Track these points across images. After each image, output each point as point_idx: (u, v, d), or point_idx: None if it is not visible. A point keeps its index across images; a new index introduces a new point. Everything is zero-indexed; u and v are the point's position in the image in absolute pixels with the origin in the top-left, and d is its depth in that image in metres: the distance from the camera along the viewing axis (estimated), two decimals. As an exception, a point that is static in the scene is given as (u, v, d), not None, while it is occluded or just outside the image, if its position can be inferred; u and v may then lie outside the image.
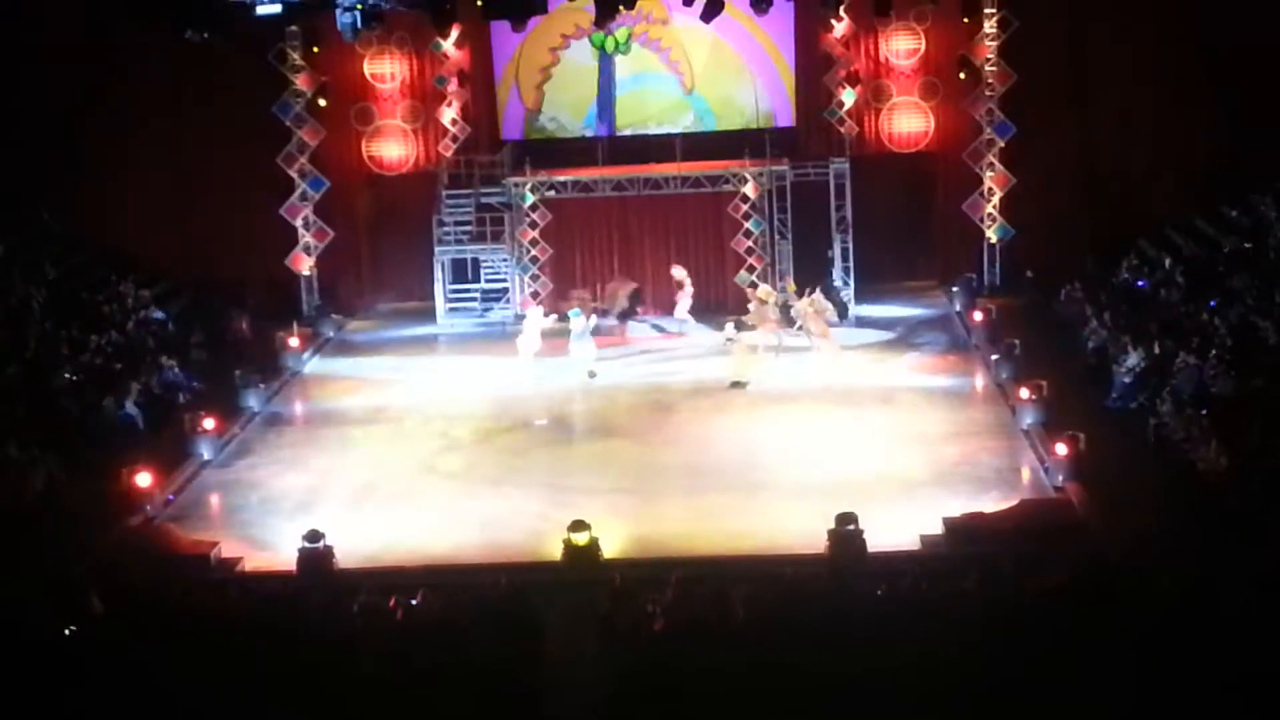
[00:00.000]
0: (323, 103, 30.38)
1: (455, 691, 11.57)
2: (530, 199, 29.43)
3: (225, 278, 30.20)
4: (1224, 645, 11.49)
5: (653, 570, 16.18)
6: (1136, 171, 29.96)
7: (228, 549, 18.43)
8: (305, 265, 30.92)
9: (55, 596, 14.45)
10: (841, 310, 27.49)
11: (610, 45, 30.52)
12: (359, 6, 23.17)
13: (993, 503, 18.74)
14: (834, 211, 29.07)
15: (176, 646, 12.17)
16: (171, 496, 20.40)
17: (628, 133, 30.84)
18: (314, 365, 27.52)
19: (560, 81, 30.87)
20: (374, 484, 20.73)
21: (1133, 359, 22.67)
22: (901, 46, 30.58)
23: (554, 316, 26.70)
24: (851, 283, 28.99)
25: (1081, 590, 12.89)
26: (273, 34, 29.11)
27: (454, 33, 29.73)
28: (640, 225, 29.93)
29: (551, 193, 29.55)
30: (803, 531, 17.81)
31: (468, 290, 30.50)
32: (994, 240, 30.37)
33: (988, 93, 29.80)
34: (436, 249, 29.85)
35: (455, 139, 30.74)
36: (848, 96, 30.31)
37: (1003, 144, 29.97)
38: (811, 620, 12.54)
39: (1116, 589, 12.80)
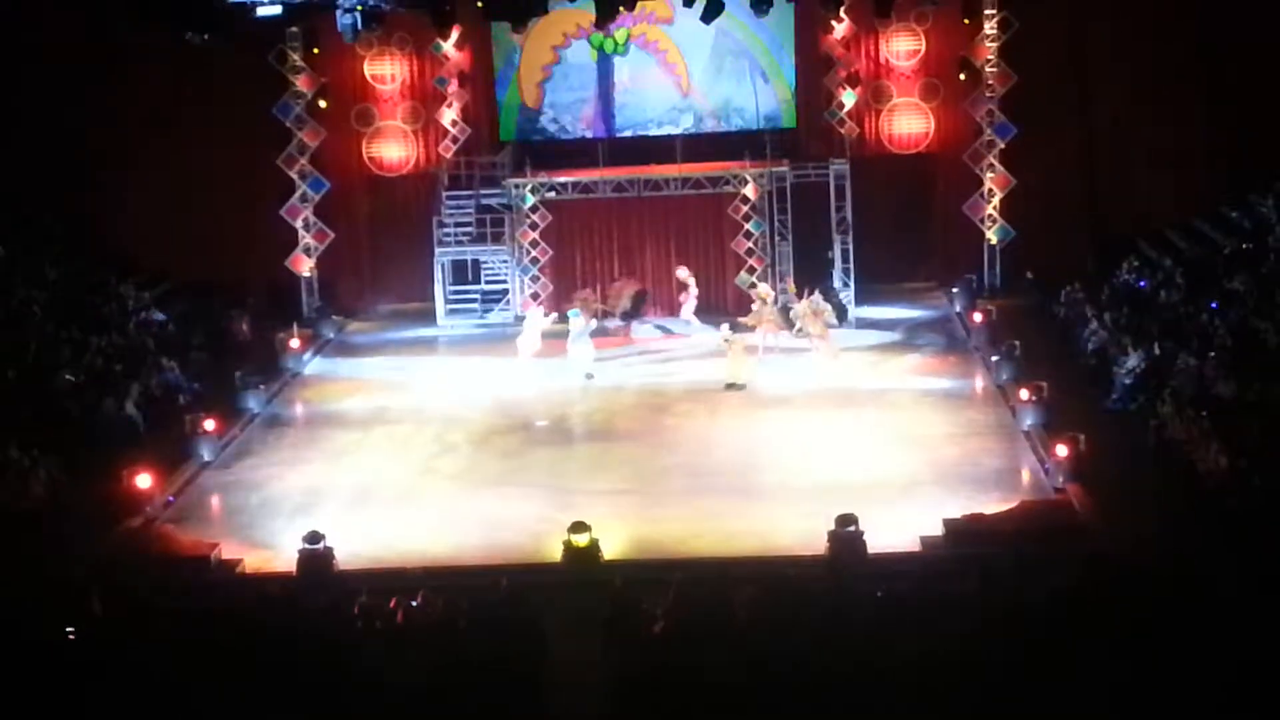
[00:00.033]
0: (323, 104, 30.41)
1: (456, 693, 11.57)
2: (530, 200, 29.43)
3: (225, 279, 30.22)
4: (1224, 645, 11.49)
5: (653, 571, 16.18)
6: (1137, 172, 29.97)
7: (228, 550, 18.44)
8: (305, 266, 30.93)
9: (56, 597, 14.47)
10: (840, 312, 27.48)
11: (610, 46, 30.55)
12: (359, 8, 23.21)
13: (993, 504, 18.74)
14: (834, 213, 29.07)
15: (176, 648, 12.17)
16: (172, 498, 20.40)
17: (627, 134, 30.86)
18: (314, 366, 27.51)
19: (561, 81, 30.88)
20: (374, 485, 20.73)
21: (1133, 360, 22.67)
22: (902, 48, 30.60)
23: (554, 316, 26.72)
24: (852, 284, 28.99)
25: (1081, 591, 12.88)
26: (273, 35, 29.12)
27: (454, 34, 29.75)
28: (640, 227, 29.92)
29: (552, 194, 29.55)
30: (803, 533, 17.82)
31: (468, 292, 30.50)
32: (994, 241, 30.38)
33: (988, 94, 29.81)
34: (437, 250, 29.86)
35: (455, 140, 30.75)
36: (848, 98, 30.32)
37: (1003, 145, 29.97)
38: (812, 621, 12.53)
39: (1116, 590, 12.78)
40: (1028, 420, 21.69)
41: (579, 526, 17.32)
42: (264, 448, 22.83)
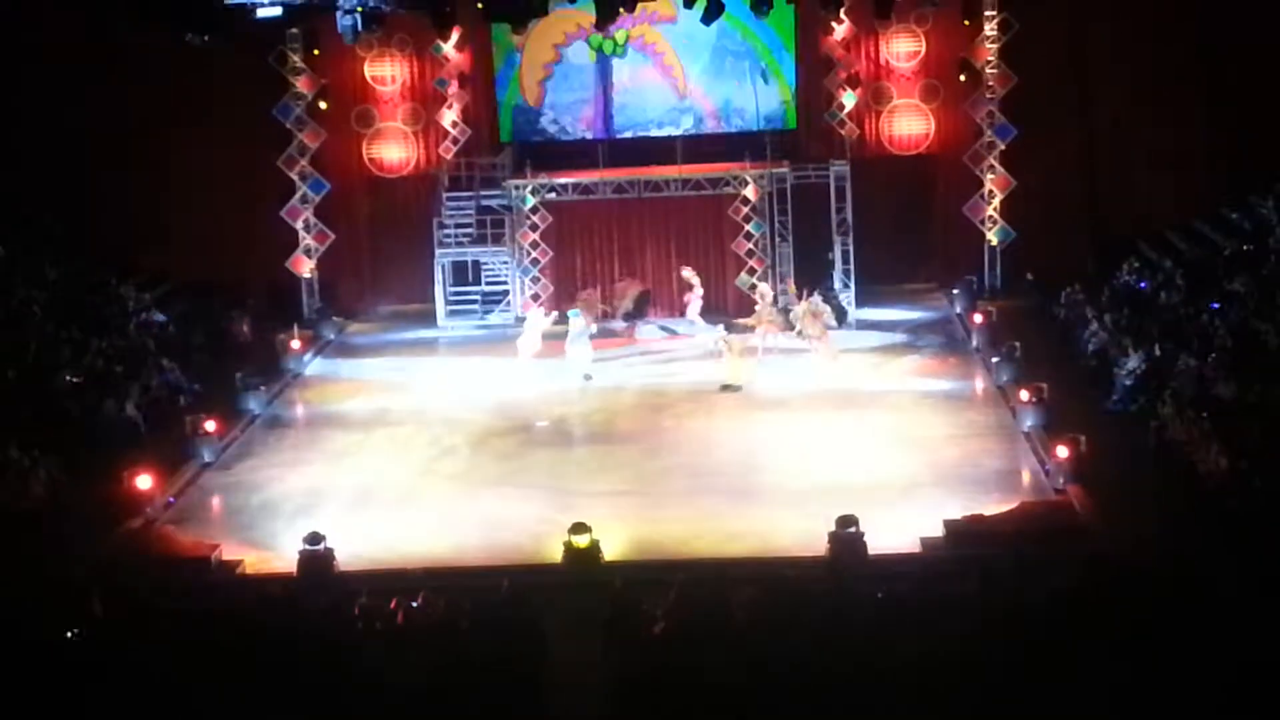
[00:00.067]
0: (323, 105, 30.42)
1: (456, 694, 11.58)
2: (531, 201, 29.43)
3: (226, 280, 30.22)
4: (1224, 647, 11.50)
5: (653, 572, 16.19)
6: (1137, 174, 29.97)
7: (228, 551, 18.43)
8: (306, 268, 30.93)
9: (56, 598, 14.47)
10: (840, 314, 27.47)
11: (609, 47, 30.56)
12: (359, 9, 23.20)
13: (993, 505, 18.74)
14: (834, 214, 29.07)
15: (177, 649, 12.18)
16: (172, 499, 20.39)
17: (627, 135, 30.87)
18: (315, 368, 27.50)
19: (561, 81, 30.89)
20: (375, 486, 20.73)
21: (1133, 361, 22.67)
22: (902, 49, 30.60)
23: (554, 316, 26.73)
24: (852, 285, 29.00)
25: (1082, 592, 12.89)
26: (273, 37, 29.12)
27: (454, 35, 29.75)
28: (641, 228, 29.91)
29: (552, 195, 29.56)
30: (803, 534, 17.81)
31: (468, 293, 30.51)
32: (994, 242, 30.37)
33: (988, 95, 29.82)
34: (437, 251, 29.85)
35: (456, 141, 30.75)
36: (848, 99, 30.33)
37: (1003, 146, 29.97)
38: (812, 622, 12.54)
39: (1117, 591, 12.79)
40: (1028, 421, 21.68)
41: (579, 527, 17.33)
42: (265, 449, 22.83)
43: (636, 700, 11.75)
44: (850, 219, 29.04)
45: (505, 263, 30.00)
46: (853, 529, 17.05)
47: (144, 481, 19.68)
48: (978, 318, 26.97)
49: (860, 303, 29.05)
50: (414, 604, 14.38)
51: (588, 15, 26.33)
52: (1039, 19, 29.19)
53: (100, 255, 29.30)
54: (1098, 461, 19.57)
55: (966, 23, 29.47)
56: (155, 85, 29.64)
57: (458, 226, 30.05)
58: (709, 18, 24.40)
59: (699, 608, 13.41)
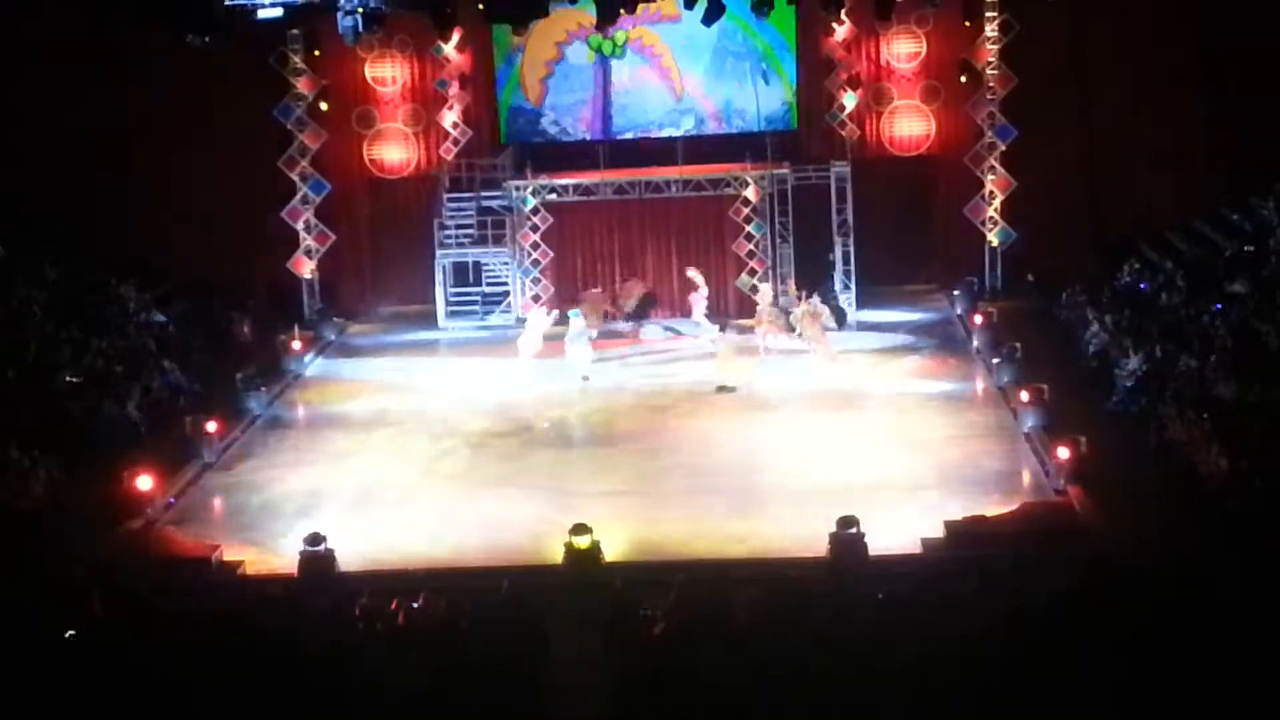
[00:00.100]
0: (324, 106, 30.43)
1: (457, 695, 11.57)
2: (531, 202, 29.43)
3: (226, 281, 30.23)
4: (1225, 647, 11.49)
5: (654, 573, 16.18)
6: (1137, 174, 29.97)
7: (229, 552, 18.43)
8: (306, 268, 30.93)
9: (56, 598, 14.46)
10: (839, 317, 27.46)
11: (607, 48, 30.56)
12: (360, 10, 23.20)
13: (994, 506, 18.74)
14: (835, 215, 29.09)
15: (177, 649, 12.16)
16: (173, 499, 20.38)
17: (628, 136, 30.87)
18: (315, 368, 27.50)
19: (562, 81, 30.89)
20: (375, 487, 20.73)
21: (1134, 362, 22.67)
22: (903, 50, 30.61)
23: (555, 315, 26.73)
24: (853, 286, 29.00)
25: (1082, 593, 12.88)
26: (274, 37, 29.12)
27: (455, 36, 29.75)
28: (641, 229, 29.90)
29: (553, 196, 29.55)
30: (804, 535, 17.81)
31: (469, 294, 30.50)
32: (995, 243, 30.38)
33: (989, 96, 29.82)
34: (437, 252, 29.85)
35: (456, 142, 30.75)
36: (849, 100, 30.33)
37: (1004, 147, 29.97)
38: (813, 623, 12.53)
39: (1117, 592, 12.78)
40: (1029, 422, 21.67)
41: (580, 528, 17.32)
42: (265, 449, 22.83)
43: (637, 701, 11.74)
44: (851, 220, 29.05)
45: (506, 264, 30.00)
46: (853, 530, 17.04)
47: (144, 482, 19.67)
48: (978, 319, 26.97)
49: (861, 304, 29.07)
50: (415, 605, 14.38)
51: (589, 16, 26.34)
52: (1039, 20, 29.14)
53: (100, 255, 29.29)
54: (1098, 462, 19.56)
55: (967, 24, 29.44)
56: (155, 85, 29.66)
57: (458, 227, 30.06)
58: (710, 19, 24.40)
59: (700, 608, 13.40)
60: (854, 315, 28.67)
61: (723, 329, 25.81)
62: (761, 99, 30.63)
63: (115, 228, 30.04)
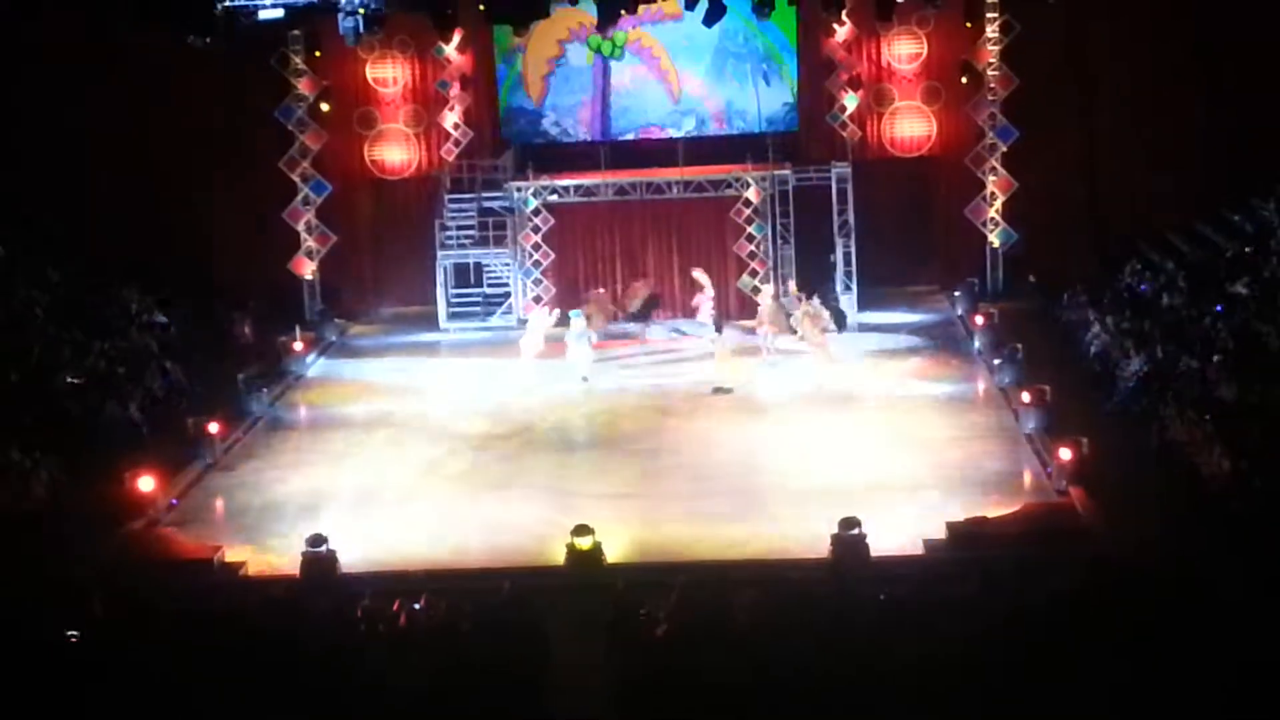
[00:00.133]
0: (325, 107, 30.43)
1: (458, 696, 11.57)
2: (532, 203, 29.43)
3: (228, 282, 30.24)
4: (1226, 648, 11.49)
5: (656, 575, 16.18)
6: (1138, 175, 29.95)
7: (231, 553, 18.41)
8: (308, 269, 30.93)
9: (57, 599, 14.47)
10: (839, 319, 27.44)
11: (607, 49, 30.56)
12: (361, 11, 23.23)
13: (995, 507, 18.71)
14: (836, 216, 29.08)
15: (179, 650, 12.17)
16: (174, 501, 20.37)
17: (629, 137, 30.87)
18: (317, 369, 27.50)
19: (563, 82, 30.90)
20: (377, 488, 20.72)
21: (1135, 363, 22.67)
22: (904, 51, 30.61)
23: (556, 314, 26.73)
24: (854, 287, 29.00)
25: (1084, 594, 12.88)
26: (275, 38, 29.10)
27: (456, 37, 29.76)
28: (643, 230, 29.88)
29: (554, 197, 29.55)
30: (806, 536, 17.81)
31: (470, 295, 30.50)
32: (996, 245, 30.37)
33: (990, 97, 29.82)
34: (439, 253, 29.83)
35: (457, 143, 30.76)
36: (850, 101, 30.34)
37: (1005, 148, 29.96)
38: (814, 624, 12.54)
39: (1119, 593, 12.78)
40: (1030, 423, 21.67)
41: (582, 529, 17.34)
42: (267, 450, 22.83)
43: (638, 702, 11.75)
44: (852, 221, 29.04)
45: (507, 265, 29.99)
46: (855, 531, 17.04)
47: (146, 483, 19.67)
48: (979, 320, 26.97)
49: (862, 304, 29.05)
50: (416, 606, 14.39)
51: (589, 16, 26.34)
52: (1040, 21, 29.12)
53: (101, 256, 29.30)
54: (1100, 463, 19.56)
55: (968, 25, 29.41)
56: (155, 85, 29.67)
57: (459, 228, 30.04)
58: (710, 20, 24.41)
59: (701, 610, 13.41)
60: (855, 316, 28.64)
61: (719, 329, 25.79)
62: (762, 100, 30.62)
63: (117, 229, 30.01)
